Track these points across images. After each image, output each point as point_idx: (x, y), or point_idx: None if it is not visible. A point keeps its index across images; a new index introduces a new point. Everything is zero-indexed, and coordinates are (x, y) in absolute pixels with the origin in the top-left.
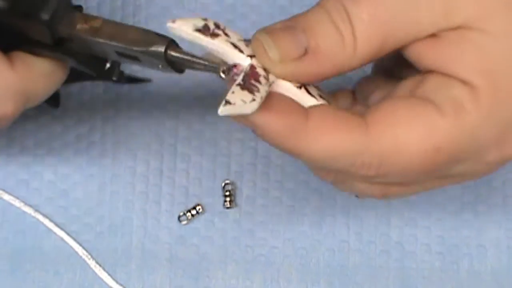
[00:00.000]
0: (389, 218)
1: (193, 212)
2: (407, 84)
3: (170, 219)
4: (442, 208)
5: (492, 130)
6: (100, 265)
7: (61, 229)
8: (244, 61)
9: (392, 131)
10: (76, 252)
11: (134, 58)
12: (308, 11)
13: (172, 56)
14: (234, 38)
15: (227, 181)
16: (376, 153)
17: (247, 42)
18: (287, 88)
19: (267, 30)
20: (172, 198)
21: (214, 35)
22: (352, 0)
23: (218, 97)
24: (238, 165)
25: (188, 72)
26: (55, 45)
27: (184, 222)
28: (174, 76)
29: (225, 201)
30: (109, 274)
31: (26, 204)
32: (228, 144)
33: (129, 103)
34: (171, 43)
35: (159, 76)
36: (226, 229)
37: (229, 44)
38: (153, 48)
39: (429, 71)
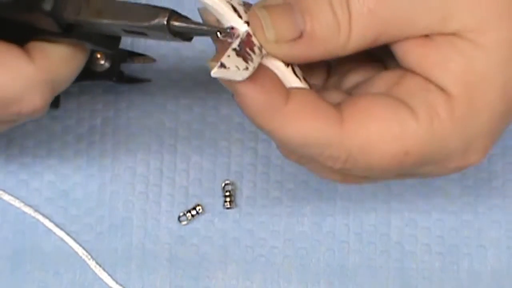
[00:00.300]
0: (389, 218)
1: (193, 212)
2: (386, 78)
3: (170, 219)
4: (442, 208)
5: (461, 140)
6: (100, 265)
7: (61, 229)
8: (241, 26)
9: (365, 130)
10: (76, 252)
11: (142, 34)
12: None
13: (175, 26)
14: (235, 1)
15: (227, 182)
16: (345, 149)
17: (246, 7)
18: (276, 65)
19: (267, 7)
20: (172, 198)
21: None
22: None
23: (218, 97)
24: (238, 165)
25: (188, 72)
26: (65, 32)
27: (184, 222)
28: (174, 76)
29: (225, 201)
30: (109, 274)
31: (26, 204)
32: (228, 144)
33: (129, 103)
34: (173, 14)
35: (159, 76)
36: (226, 229)
37: (229, 6)
38: (155, 22)
39: (411, 71)
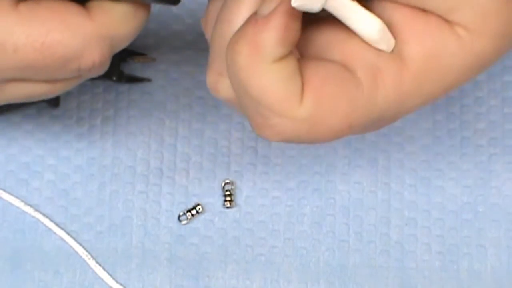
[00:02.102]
0: (389, 218)
1: (193, 212)
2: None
3: (170, 219)
4: (442, 208)
5: (397, 113)
6: (100, 265)
7: (61, 229)
8: None
9: (318, 109)
10: (76, 252)
11: None
12: None
13: None
14: None
15: (227, 181)
16: (294, 124)
17: None
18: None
19: None
20: (172, 198)
21: None
22: None
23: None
24: (238, 165)
25: (188, 71)
26: None
27: (184, 222)
28: (174, 75)
29: (225, 201)
30: (109, 274)
31: (26, 204)
32: (228, 144)
33: (129, 103)
34: None
35: (159, 76)
36: (226, 229)
37: None
38: None
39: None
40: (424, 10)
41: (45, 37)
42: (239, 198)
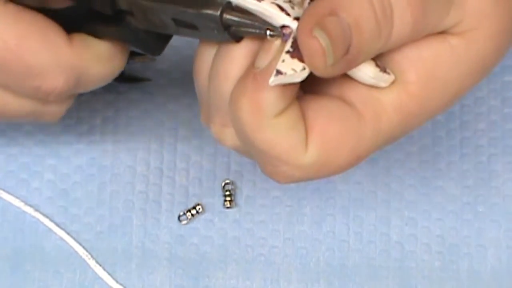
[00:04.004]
0: (389, 218)
1: (193, 212)
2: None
3: (170, 219)
4: (442, 208)
5: (404, 133)
6: (100, 265)
7: (61, 229)
8: (292, 24)
9: (324, 151)
10: (76, 252)
11: (192, 27)
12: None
13: (228, 19)
14: (280, 0)
15: (227, 181)
16: (303, 170)
17: (291, 3)
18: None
19: (324, 28)
20: (172, 198)
21: None
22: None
23: None
24: (238, 165)
25: (188, 71)
26: (115, 16)
27: (184, 222)
28: (174, 75)
29: (225, 201)
30: (109, 274)
31: (26, 204)
32: None
33: (129, 103)
34: (227, 6)
35: (159, 75)
36: (226, 229)
37: (275, 6)
38: (208, 11)
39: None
40: None
41: (21, 39)
42: (239, 198)
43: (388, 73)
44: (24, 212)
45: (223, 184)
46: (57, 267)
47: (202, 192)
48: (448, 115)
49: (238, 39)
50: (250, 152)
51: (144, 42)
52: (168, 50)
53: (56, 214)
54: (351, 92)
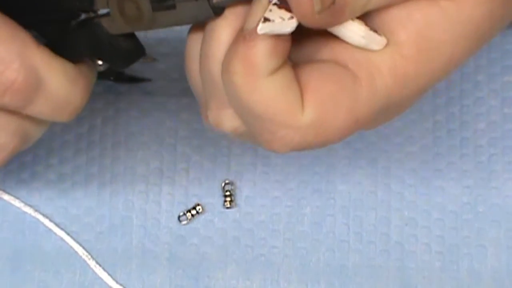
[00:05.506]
0: (389, 218)
1: (193, 212)
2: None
3: (170, 219)
4: (442, 208)
5: (400, 97)
6: (100, 265)
7: (61, 229)
8: None
9: (321, 114)
10: (76, 252)
11: (170, 7)
12: None
13: None
14: None
15: (227, 181)
16: (301, 133)
17: None
18: None
19: None
20: (172, 198)
21: None
22: None
23: None
24: (238, 165)
25: None
26: (84, 25)
27: (184, 222)
28: (174, 75)
29: (225, 201)
30: (109, 274)
31: (26, 204)
32: (228, 144)
33: (129, 103)
34: None
35: (159, 75)
36: (226, 229)
37: None
38: None
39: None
40: None
41: None
42: (239, 198)
43: (380, 35)
44: (24, 212)
45: (223, 184)
46: (57, 267)
47: (202, 192)
48: (448, 116)
49: (219, 11)
50: (247, 123)
51: (111, 51)
52: (168, 50)
53: (56, 214)
54: (344, 55)
